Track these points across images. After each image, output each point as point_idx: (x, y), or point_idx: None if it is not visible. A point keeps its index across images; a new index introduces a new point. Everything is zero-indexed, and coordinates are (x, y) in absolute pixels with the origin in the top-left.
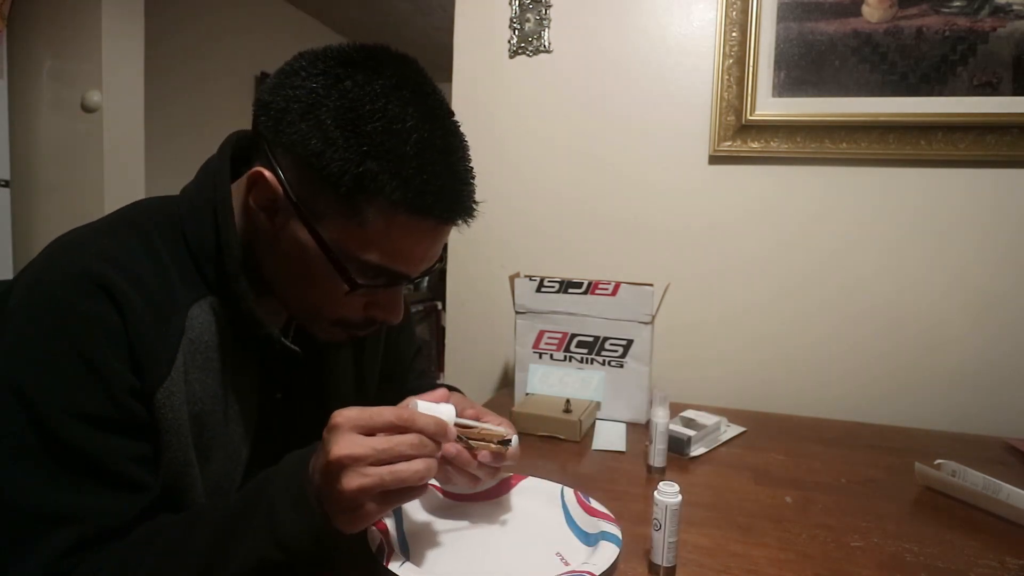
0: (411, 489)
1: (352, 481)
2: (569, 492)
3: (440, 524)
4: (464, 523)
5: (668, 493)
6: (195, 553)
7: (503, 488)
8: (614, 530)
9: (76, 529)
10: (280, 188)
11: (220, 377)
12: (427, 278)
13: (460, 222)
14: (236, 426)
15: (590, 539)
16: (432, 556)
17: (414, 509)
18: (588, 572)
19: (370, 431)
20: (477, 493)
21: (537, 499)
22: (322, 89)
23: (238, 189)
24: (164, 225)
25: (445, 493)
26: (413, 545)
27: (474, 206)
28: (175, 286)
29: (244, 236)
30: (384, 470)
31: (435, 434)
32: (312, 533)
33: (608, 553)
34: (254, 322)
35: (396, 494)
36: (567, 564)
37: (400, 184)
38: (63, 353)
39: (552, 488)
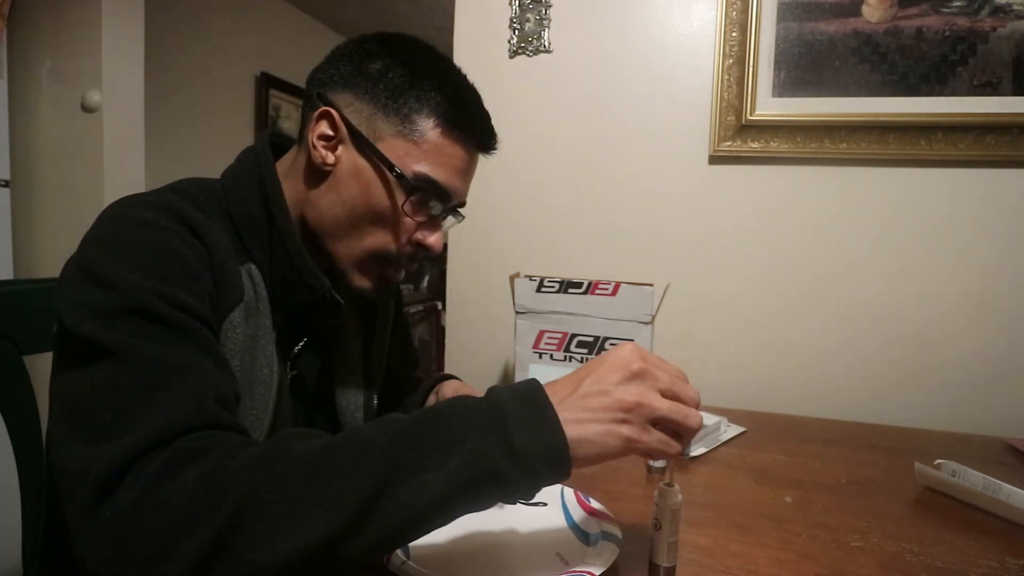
0: (674, 436)
1: (636, 392)
2: (569, 492)
3: None
4: (464, 523)
5: (668, 493)
6: (386, 448)
7: None
8: (614, 530)
9: (208, 380)
10: (341, 121)
11: (253, 343)
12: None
13: (488, 153)
14: (261, 390)
15: (590, 539)
16: (432, 556)
17: None
18: (588, 572)
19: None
20: None
21: (537, 499)
22: (372, 45)
23: (279, 167)
24: (210, 198)
25: None
26: (413, 544)
27: (495, 144)
28: (229, 246)
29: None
30: (668, 402)
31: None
32: (547, 446)
33: (608, 553)
34: (308, 271)
35: (660, 435)
36: (567, 564)
37: (450, 105)
38: (156, 249)
39: (552, 488)
